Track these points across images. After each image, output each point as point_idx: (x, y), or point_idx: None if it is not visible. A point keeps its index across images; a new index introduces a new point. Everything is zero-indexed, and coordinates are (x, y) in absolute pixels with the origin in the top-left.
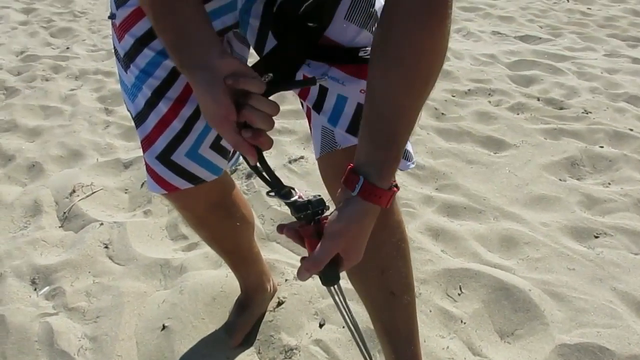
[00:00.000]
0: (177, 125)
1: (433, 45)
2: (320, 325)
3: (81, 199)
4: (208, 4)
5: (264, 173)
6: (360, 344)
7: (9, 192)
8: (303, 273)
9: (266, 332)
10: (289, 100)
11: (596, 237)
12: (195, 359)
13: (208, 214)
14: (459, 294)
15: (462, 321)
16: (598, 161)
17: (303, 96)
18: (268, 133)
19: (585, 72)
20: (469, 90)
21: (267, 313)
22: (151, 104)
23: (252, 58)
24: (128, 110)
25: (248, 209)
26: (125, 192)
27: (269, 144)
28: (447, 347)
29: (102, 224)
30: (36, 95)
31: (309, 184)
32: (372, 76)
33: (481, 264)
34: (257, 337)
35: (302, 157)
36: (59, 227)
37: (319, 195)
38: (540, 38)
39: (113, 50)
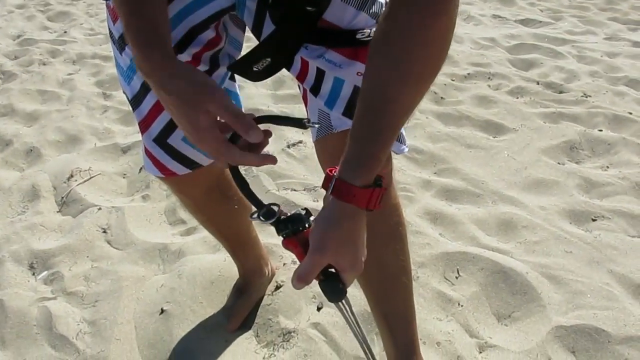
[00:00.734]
0: None
1: (438, 38)
2: (318, 309)
3: (79, 184)
4: None
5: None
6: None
7: (6, 177)
8: (294, 284)
9: (264, 315)
10: (287, 85)
11: (594, 220)
12: (194, 342)
13: (205, 198)
14: (456, 277)
15: (459, 304)
16: (597, 145)
17: (301, 79)
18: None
19: (586, 55)
20: (468, 74)
21: (265, 297)
22: (147, 87)
23: (250, 42)
24: (124, 93)
25: None
26: (124, 177)
27: (273, 161)
28: (445, 330)
29: (100, 208)
30: (33, 79)
31: (307, 168)
32: (369, 67)
33: (479, 247)
34: (256, 321)
35: (300, 142)
36: (57, 212)
37: (304, 209)
38: (541, 21)
39: (108, 33)
